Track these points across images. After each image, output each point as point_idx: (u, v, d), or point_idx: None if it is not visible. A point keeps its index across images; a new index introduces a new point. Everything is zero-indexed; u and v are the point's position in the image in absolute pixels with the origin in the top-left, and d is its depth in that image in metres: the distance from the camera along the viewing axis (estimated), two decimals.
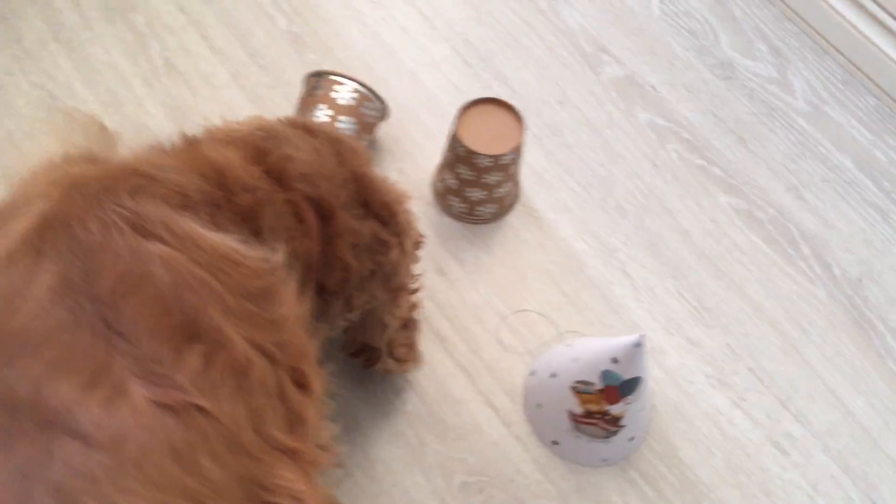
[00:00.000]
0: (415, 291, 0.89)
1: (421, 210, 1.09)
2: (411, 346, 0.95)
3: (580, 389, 0.90)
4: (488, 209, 1.07)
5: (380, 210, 0.76)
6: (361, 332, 0.89)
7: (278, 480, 0.57)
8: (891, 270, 1.11)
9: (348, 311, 0.79)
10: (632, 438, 0.95)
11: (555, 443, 0.96)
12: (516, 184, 1.09)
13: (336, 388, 0.70)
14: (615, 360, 0.85)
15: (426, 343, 1.01)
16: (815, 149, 1.19)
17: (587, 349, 0.89)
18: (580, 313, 1.05)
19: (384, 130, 1.13)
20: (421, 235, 0.85)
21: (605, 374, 0.86)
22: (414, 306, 0.91)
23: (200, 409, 0.53)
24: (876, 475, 0.98)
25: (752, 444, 0.99)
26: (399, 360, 0.94)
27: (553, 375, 0.94)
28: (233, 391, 0.56)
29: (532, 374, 1.00)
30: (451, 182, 1.05)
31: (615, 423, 0.91)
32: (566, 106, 1.19)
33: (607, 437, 0.93)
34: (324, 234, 0.71)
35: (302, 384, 0.63)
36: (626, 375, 0.85)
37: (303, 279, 0.68)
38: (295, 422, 0.62)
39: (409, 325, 0.93)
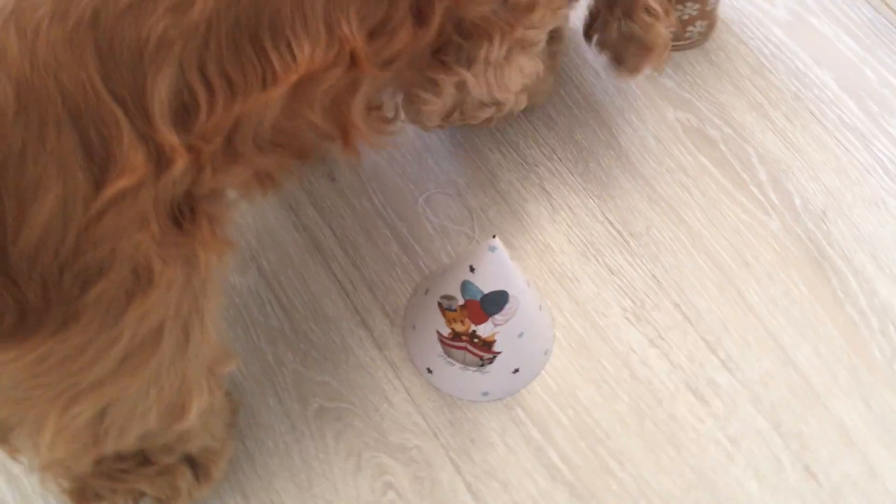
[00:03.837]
0: None
1: None
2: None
3: (445, 306, 0.77)
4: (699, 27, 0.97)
5: None
6: None
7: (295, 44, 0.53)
8: (864, 204, 0.94)
9: None
10: (516, 371, 0.81)
11: (429, 370, 0.83)
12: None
13: None
14: (472, 269, 0.72)
15: (300, 252, 0.90)
16: (791, 63, 1.02)
17: (455, 259, 0.77)
18: (484, 230, 0.92)
19: None
20: None
21: (465, 286, 0.73)
22: None
23: None
24: (813, 436, 0.82)
25: (665, 388, 0.85)
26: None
27: (426, 291, 0.82)
28: None
29: (413, 292, 0.87)
30: None
31: (487, 348, 0.78)
32: None
33: (482, 365, 0.80)
34: None
35: (422, 17, 0.59)
36: (486, 288, 0.72)
37: None
38: (380, 32, 0.57)
39: None
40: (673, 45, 1.00)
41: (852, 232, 0.92)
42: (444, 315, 0.77)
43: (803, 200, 0.94)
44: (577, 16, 0.95)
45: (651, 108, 0.99)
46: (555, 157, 0.96)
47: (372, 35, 0.57)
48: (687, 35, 1.00)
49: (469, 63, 0.68)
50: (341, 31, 0.54)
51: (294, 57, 0.53)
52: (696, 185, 0.95)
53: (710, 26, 1.02)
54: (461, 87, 0.71)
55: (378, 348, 0.86)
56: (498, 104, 0.78)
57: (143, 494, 0.71)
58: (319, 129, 0.60)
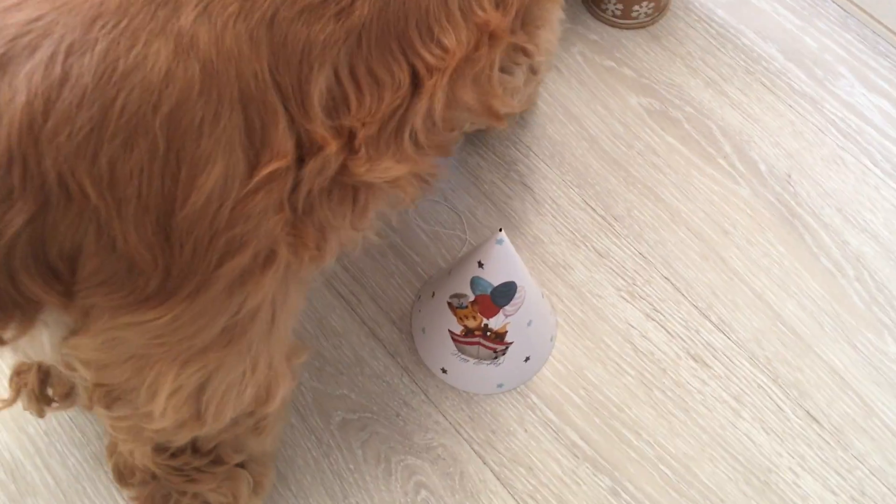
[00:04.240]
0: None
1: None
2: None
3: (455, 304, 0.80)
4: (645, 7, 1.04)
5: None
6: None
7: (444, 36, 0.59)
8: (823, 162, 1.00)
9: None
10: (527, 359, 0.85)
11: (444, 370, 0.86)
12: None
13: None
14: (481, 265, 0.75)
15: None
16: (738, 40, 1.08)
17: (459, 259, 0.80)
18: (474, 231, 0.95)
19: None
20: None
21: (475, 282, 0.77)
22: None
23: None
24: (809, 382, 0.88)
25: (667, 358, 0.89)
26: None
27: (433, 294, 0.85)
28: None
29: (417, 297, 0.90)
30: None
31: (500, 340, 0.81)
32: None
33: (496, 357, 0.83)
34: None
35: None
36: (496, 281, 0.76)
37: None
38: (501, 3, 0.65)
39: None
40: (620, 24, 1.07)
41: (816, 189, 0.98)
42: (454, 313, 0.80)
43: (768, 166, 1.00)
44: None
45: (614, 96, 1.04)
46: (531, 153, 1.01)
47: (498, 6, 0.64)
48: (633, 15, 1.06)
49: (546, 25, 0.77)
50: (477, 15, 0.62)
51: (445, 48, 0.60)
52: (666, 163, 1.00)
53: (658, 8, 1.07)
54: (537, 47, 0.78)
55: (390, 356, 0.89)
56: (535, 70, 0.86)
57: None
58: (473, 110, 0.66)
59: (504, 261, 0.74)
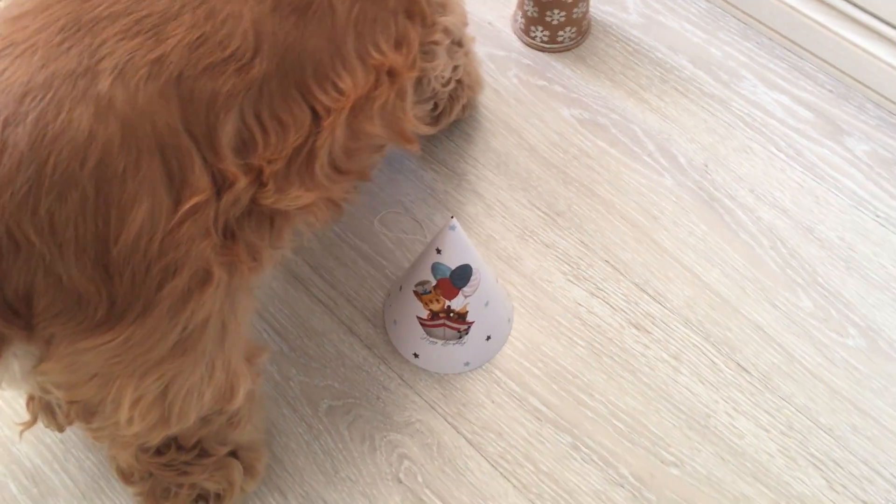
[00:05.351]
0: None
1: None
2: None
3: (420, 291, 0.91)
4: (568, 33, 1.19)
5: None
6: None
7: (339, 81, 0.68)
8: (735, 152, 1.14)
9: None
10: (489, 338, 0.96)
11: (415, 355, 0.97)
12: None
13: None
14: (439, 251, 0.87)
15: (282, 284, 1.03)
16: (652, 54, 1.23)
17: (420, 252, 0.91)
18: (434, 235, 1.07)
19: None
20: None
21: (435, 268, 0.88)
22: None
23: None
24: (737, 338, 1.00)
25: (612, 328, 1.01)
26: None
27: (400, 288, 0.96)
28: None
29: (387, 295, 1.02)
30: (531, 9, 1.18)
31: (462, 320, 0.92)
32: None
33: (460, 337, 0.94)
34: None
35: (411, 15, 0.75)
36: (454, 264, 0.87)
37: None
38: (400, 43, 0.73)
39: None
40: (549, 49, 1.21)
41: (730, 175, 1.12)
42: (420, 300, 0.92)
43: (687, 159, 1.13)
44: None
45: (549, 110, 1.18)
46: (479, 164, 1.13)
47: (398, 47, 0.73)
48: (559, 39, 1.20)
49: (444, 8, 0.86)
50: (373, 58, 0.71)
51: (341, 91, 0.69)
52: (599, 164, 1.13)
53: (580, 32, 1.22)
54: (447, 31, 0.88)
55: (367, 348, 1.00)
56: (461, 43, 0.96)
57: (202, 498, 0.82)
58: (382, 139, 0.76)
59: (458, 245, 0.86)
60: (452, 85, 1.02)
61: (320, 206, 0.74)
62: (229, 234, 0.66)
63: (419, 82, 0.90)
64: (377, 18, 0.71)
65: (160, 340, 0.63)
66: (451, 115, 1.08)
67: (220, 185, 0.64)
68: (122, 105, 0.58)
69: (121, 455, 0.78)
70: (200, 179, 0.61)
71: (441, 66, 0.91)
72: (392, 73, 0.73)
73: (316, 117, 0.68)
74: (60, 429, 0.87)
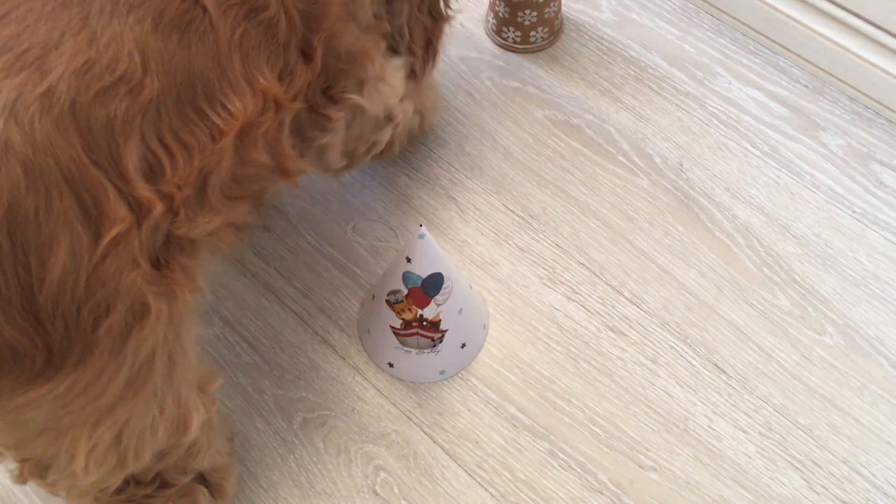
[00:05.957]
0: None
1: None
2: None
3: (392, 301, 0.90)
4: (541, 33, 1.17)
5: None
6: None
7: (228, 103, 0.65)
8: (710, 150, 1.13)
9: None
10: (464, 345, 0.95)
11: (390, 364, 0.96)
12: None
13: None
14: (409, 260, 0.86)
15: (254, 296, 1.02)
16: (625, 53, 1.22)
17: (391, 262, 0.90)
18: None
19: None
20: None
21: (405, 277, 0.87)
22: None
23: (205, 9, 0.64)
24: (714, 339, 0.99)
25: (589, 332, 1.00)
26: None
27: (373, 297, 0.95)
28: (243, 16, 0.66)
29: (361, 304, 1.00)
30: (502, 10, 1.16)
31: (435, 328, 0.91)
32: None
33: (434, 345, 0.93)
34: None
35: (307, 56, 0.72)
36: (424, 273, 0.86)
37: None
38: (284, 75, 0.71)
39: None
40: (521, 49, 1.20)
41: (706, 174, 1.11)
42: (393, 309, 0.90)
43: (662, 158, 1.12)
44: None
45: (522, 112, 1.16)
46: (452, 168, 1.12)
47: (281, 78, 0.71)
48: (531, 40, 1.19)
49: (360, 87, 0.83)
50: (259, 83, 0.68)
51: (230, 113, 0.66)
52: (573, 165, 1.12)
53: (553, 32, 1.21)
54: (357, 112, 0.85)
55: (342, 358, 0.98)
56: (391, 118, 0.93)
57: None
58: (267, 168, 0.73)
59: (428, 253, 0.85)
60: (377, 149, 0.97)
61: (225, 231, 0.72)
62: (163, 262, 0.64)
63: (319, 151, 0.87)
64: (262, 44, 0.68)
65: (108, 384, 0.61)
66: (389, 153, 1.04)
67: (138, 213, 0.61)
68: (21, 146, 0.55)
69: (80, 502, 0.76)
70: (118, 209, 0.59)
71: (340, 145, 0.88)
72: (277, 102, 0.70)
73: (213, 139, 0.66)
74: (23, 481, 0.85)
